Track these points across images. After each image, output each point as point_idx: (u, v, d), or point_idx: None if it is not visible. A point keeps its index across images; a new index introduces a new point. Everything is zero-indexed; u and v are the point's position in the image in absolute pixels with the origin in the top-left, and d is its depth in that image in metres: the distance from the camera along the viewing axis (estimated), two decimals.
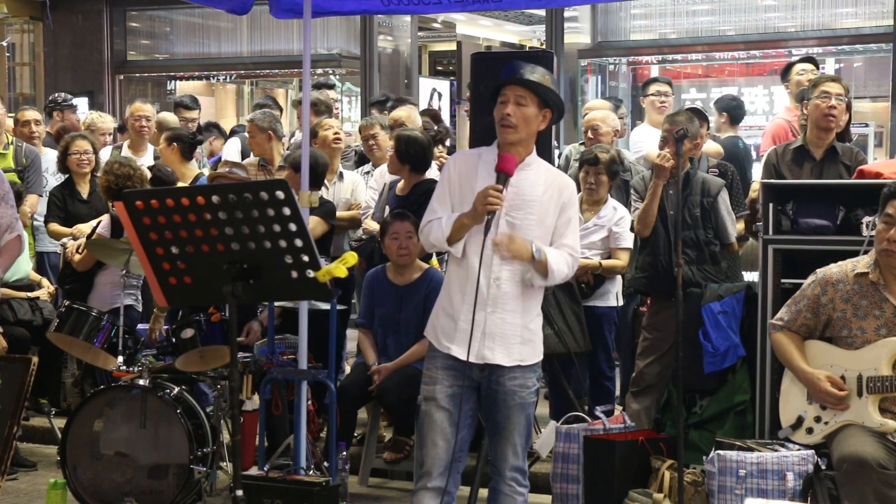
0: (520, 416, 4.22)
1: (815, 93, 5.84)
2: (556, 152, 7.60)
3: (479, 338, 4.15)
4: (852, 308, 4.47)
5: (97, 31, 13.35)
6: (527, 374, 4.22)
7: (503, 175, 4.10)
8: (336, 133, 7.35)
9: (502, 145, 4.20)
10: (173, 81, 14.09)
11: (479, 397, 4.25)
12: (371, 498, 5.99)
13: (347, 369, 7.16)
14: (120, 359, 5.80)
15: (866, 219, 5.15)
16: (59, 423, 6.69)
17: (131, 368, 5.71)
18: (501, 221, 4.14)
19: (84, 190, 7.44)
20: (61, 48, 13.43)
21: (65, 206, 7.36)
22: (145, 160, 7.82)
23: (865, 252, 4.66)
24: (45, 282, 7.20)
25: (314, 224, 6.52)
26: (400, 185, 6.66)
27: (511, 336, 4.18)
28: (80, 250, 6.72)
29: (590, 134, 7.05)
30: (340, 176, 7.22)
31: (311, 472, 5.40)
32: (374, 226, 6.67)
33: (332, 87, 9.63)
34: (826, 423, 4.48)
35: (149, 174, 6.90)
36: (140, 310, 6.71)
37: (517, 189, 4.16)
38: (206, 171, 7.61)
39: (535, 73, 4.17)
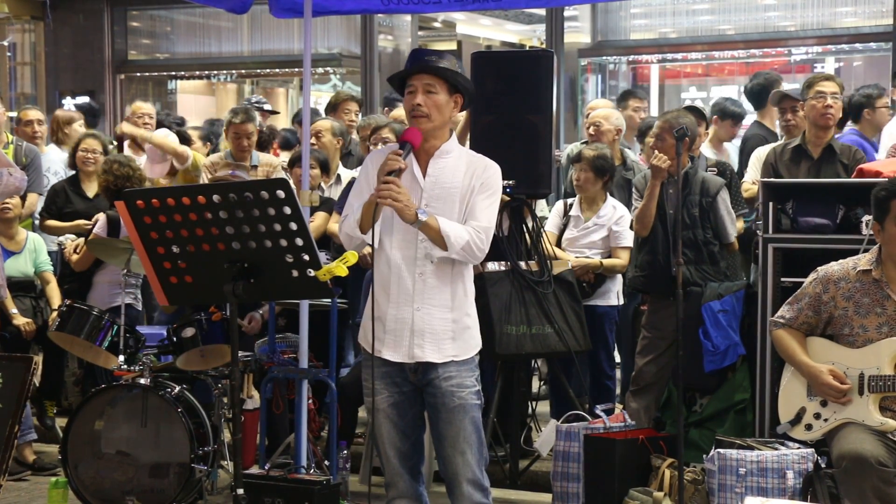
0: (462, 420, 3.98)
1: (810, 93, 5.86)
2: (557, 153, 7.61)
3: (408, 336, 4.00)
4: (854, 306, 4.47)
5: (98, 31, 13.35)
6: (463, 373, 4.01)
7: (407, 144, 3.94)
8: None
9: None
10: (174, 81, 14.10)
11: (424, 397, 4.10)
12: (372, 496, 5.95)
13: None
14: (121, 358, 5.81)
15: (866, 217, 5.15)
16: (61, 422, 6.71)
17: (132, 367, 5.72)
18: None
19: (90, 189, 7.39)
20: (62, 48, 13.44)
21: (67, 201, 7.30)
22: (144, 159, 7.82)
23: (865, 251, 4.67)
24: (53, 291, 7.06)
25: (321, 220, 6.53)
26: None
27: (441, 332, 3.99)
28: (77, 250, 6.70)
29: (591, 130, 7.04)
30: (338, 179, 7.19)
31: (312, 470, 5.41)
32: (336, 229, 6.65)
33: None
34: (826, 419, 4.48)
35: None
36: (140, 308, 6.71)
37: (435, 179, 4.02)
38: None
39: (442, 61, 4.03)
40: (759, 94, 7.62)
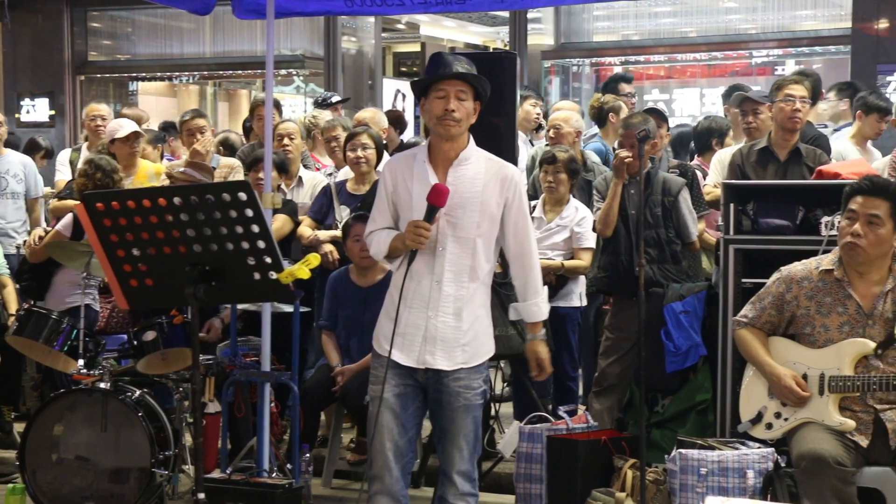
0: (465, 419, 4.11)
1: (779, 95, 5.90)
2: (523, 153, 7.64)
3: (421, 342, 4.08)
4: (816, 305, 4.51)
5: (57, 31, 13.25)
6: (472, 375, 4.12)
7: (433, 208, 4.00)
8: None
9: (441, 140, 4.10)
10: (135, 82, 14.01)
11: (426, 398, 4.18)
12: (334, 500, 5.98)
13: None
14: (80, 362, 5.74)
15: (825, 219, 5.20)
16: (19, 427, 6.62)
17: (92, 371, 5.66)
18: (441, 221, 4.05)
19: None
20: (21, 48, 13.31)
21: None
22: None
23: (825, 252, 4.71)
24: (10, 296, 6.94)
25: (281, 223, 6.51)
26: (350, 183, 6.68)
27: (452, 340, 4.08)
28: (40, 241, 6.55)
29: (551, 133, 7.07)
30: (300, 181, 7.17)
31: (274, 474, 5.38)
32: (308, 232, 6.66)
33: None
34: (786, 419, 4.51)
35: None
36: (98, 309, 6.64)
37: (455, 187, 4.06)
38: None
39: (470, 67, 4.10)
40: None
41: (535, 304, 4.25)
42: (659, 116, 6.41)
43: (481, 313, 4.18)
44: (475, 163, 4.14)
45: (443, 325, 4.08)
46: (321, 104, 9.01)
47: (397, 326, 4.09)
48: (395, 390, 4.11)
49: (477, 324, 4.15)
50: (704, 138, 7.44)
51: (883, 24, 10.31)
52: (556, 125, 7.05)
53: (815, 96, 6.88)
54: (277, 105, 8.66)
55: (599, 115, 7.71)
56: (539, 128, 8.01)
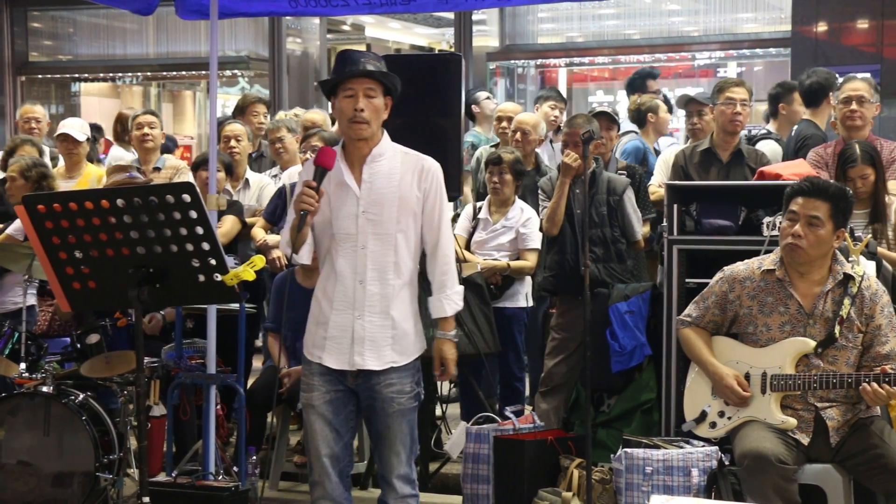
0: (400, 424, 4.11)
1: (721, 98, 5.99)
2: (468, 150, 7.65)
3: (349, 344, 4.05)
4: (758, 304, 4.56)
5: None
6: (403, 379, 4.10)
7: (320, 169, 3.95)
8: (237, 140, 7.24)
9: (353, 142, 4.08)
10: (77, 83, 13.85)
11: (359, 402, 4.16)
12: (281, 502, 5.96)
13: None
14: (22, 365, 5.68)
15: (767, 219, 5.27)
16: None
17: (34, 375, 5.59)
18: (361, 219, 4.04)
19: None
20: None
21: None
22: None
23: (767, 252, 4.77)
24: None
25: (231, 225, 6.49)
26: None
27: (381, 339, 4.06)
28: None
29: (518, 136, 6.95)
30: (246, 183, 7.14)
31: (221, 477, 5.35)
32: (260, 235, 6.63)
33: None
34: (729, 417, 4.57)
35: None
36: (36, 310, 6.55)
37: (371, 184, 4.05)
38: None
39: (378, 63, 4.06)
40: (817, 92, 6.67)
41: (439, 300, 4.17)
42: (608, 119, 6.44)
43: (408, 311, 4.14)
44: (390, 158, 4.11)
45: (370, 325, 4.05)
46: None
47: (327, 331, 4.07)
48: (326, 397, 4.09)
49: (405, 322, 4.12)
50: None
51: (822, 27, 10.48)
52: (525, 130, 6.87)
53: (823, 97, 6.62)
54: (266, 104, 8.64)
55: (638, 116, 7.78)
56: (558, 129, 7.74)
